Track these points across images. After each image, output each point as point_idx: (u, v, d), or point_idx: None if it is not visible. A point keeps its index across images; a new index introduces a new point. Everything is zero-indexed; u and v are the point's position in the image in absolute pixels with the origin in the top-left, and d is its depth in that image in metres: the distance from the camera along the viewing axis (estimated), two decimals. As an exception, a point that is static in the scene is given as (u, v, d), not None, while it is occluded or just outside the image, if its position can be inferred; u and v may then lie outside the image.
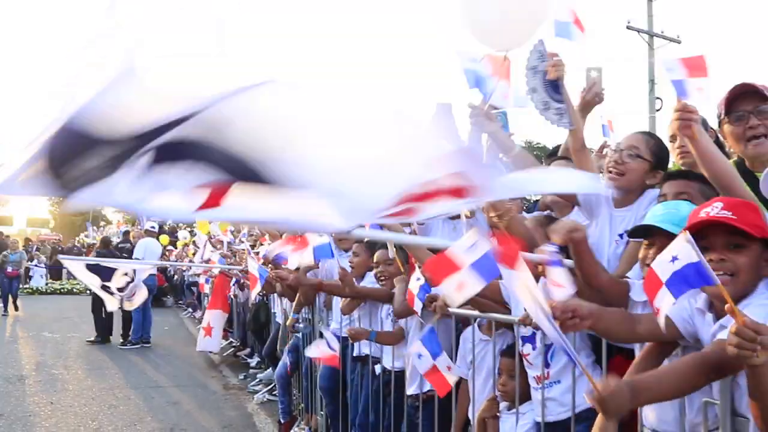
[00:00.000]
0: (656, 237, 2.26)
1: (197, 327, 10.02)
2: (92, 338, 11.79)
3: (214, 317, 7.10)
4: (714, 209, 1.99)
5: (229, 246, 10.80)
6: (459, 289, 1.87)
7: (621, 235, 2.83)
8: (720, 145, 3.20)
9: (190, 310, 16.00)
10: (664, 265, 1.72)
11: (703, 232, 1.98)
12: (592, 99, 3.38)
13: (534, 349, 2.89)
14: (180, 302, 18.25)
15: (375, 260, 4.22)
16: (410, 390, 3.76)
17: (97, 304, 11.81)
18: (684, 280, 1.68)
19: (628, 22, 22.66)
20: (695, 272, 1.64)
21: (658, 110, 21.80)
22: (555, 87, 3.24)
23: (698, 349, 2.12)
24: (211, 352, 10.65)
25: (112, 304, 6.20)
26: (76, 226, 50.68)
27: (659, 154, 2.88)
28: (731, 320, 1.93)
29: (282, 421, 6.16)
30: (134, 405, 7.28)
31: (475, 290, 2.08)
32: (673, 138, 3.21)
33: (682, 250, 1.66)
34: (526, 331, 2.90)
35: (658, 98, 22.66)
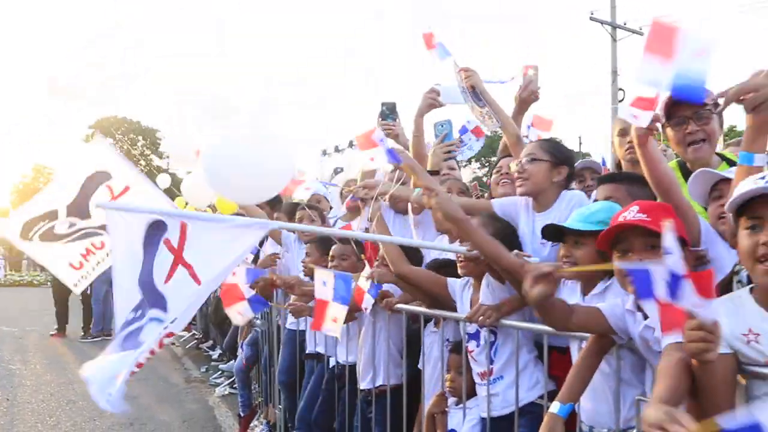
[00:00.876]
0: (568, 236, 2.46)
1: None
2: (54, 331, 11.63)
3: None
4: (630, 213, 2.11)
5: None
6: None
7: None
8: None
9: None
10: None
11: (624, 236, 2.11)
12: (528, 97, 3.49)
13: (478, 346, 2.95)
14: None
15: (330, 255, 4.22)
16: (363, 384, 3.79)
17: (59, 294, 11.55)
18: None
19: (591, 14, 22.93)
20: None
21: (620, 101, 22.20)
22: (477, 95, 3.36)
23: (630, 347, 2.22)
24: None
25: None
26: (38, 216, 49.60)
27: (555, 152, 3.01)
28: (655, 322, 2.02)
29: (242, 415, 6.16)
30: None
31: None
32: (621, 133, 3.32)
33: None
34: (471, 328, 2.96)
35: (620, 89, 23.03)
